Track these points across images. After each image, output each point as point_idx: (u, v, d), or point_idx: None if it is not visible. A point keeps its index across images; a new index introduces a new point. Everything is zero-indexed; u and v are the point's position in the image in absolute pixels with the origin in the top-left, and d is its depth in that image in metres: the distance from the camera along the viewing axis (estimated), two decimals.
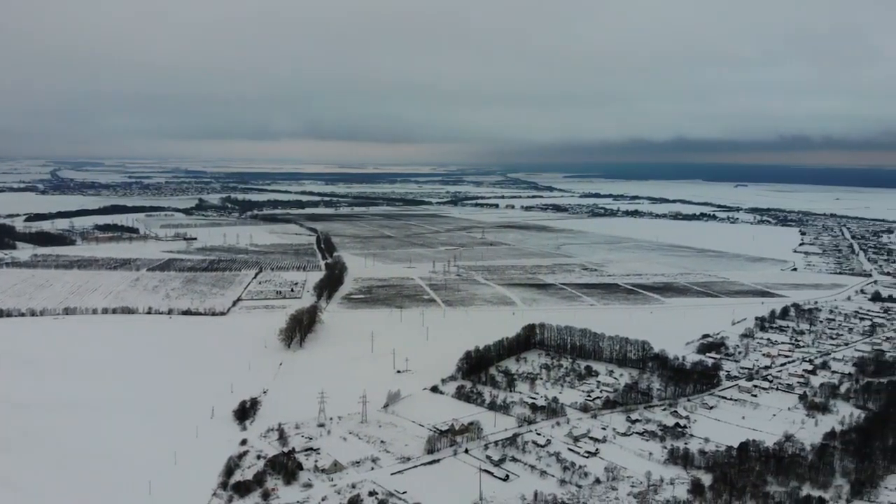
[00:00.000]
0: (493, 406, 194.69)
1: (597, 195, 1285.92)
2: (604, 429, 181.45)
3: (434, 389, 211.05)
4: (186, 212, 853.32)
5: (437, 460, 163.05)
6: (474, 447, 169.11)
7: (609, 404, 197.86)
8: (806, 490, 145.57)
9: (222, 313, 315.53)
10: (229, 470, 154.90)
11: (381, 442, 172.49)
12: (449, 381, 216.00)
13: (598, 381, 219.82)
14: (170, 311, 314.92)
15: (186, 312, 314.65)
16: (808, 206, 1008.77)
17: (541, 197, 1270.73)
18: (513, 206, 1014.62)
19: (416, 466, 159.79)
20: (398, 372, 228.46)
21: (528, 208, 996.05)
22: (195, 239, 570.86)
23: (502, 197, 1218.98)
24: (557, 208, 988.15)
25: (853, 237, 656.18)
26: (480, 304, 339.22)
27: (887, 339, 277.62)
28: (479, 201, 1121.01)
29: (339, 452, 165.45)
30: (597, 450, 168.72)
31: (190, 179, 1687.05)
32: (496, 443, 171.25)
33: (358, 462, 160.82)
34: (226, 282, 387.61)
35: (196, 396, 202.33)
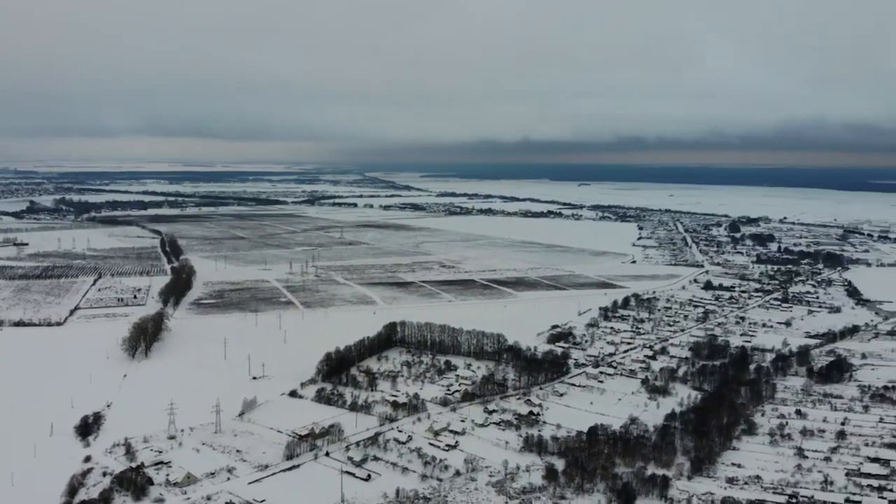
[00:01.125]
0: (354, 407, 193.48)
1: (453, 194, 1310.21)
2: (462, 421, 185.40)
3: (293, 394, 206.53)
4: (16, 215, 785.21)
5: (297, 466, 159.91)
6: (336, 449, 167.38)
7: (468, 397, 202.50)
8: (651, 469, 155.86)
9: (59, 323, 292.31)
10: (73, 489, 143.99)
11: (238, 451, 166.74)
12: (309, 385, 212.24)
13: (457, 375, 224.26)
14: (0, 323, 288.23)
15: (19, 324, 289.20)
16: (644, 203, 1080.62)
17: (399, 196, 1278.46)
18: (371, 206, 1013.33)
19: (274, 474, 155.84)
20: (254, 378, 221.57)
21: (386, 207, 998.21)
22: (26, 244, 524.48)
23: (360, 196, 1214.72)
24: (415, 207, 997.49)
25: (686, 231, 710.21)
26: (340, 305, 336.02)
27: (719, 324, 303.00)
28: (337, 200, 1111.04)
29: (192, 464, 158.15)
30: (456, 442, 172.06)
31: (20, 180, 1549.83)
32: (358, 443, 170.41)
33: (213, 473, 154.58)
34: (62, 289, 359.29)
35: (33, 413, 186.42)
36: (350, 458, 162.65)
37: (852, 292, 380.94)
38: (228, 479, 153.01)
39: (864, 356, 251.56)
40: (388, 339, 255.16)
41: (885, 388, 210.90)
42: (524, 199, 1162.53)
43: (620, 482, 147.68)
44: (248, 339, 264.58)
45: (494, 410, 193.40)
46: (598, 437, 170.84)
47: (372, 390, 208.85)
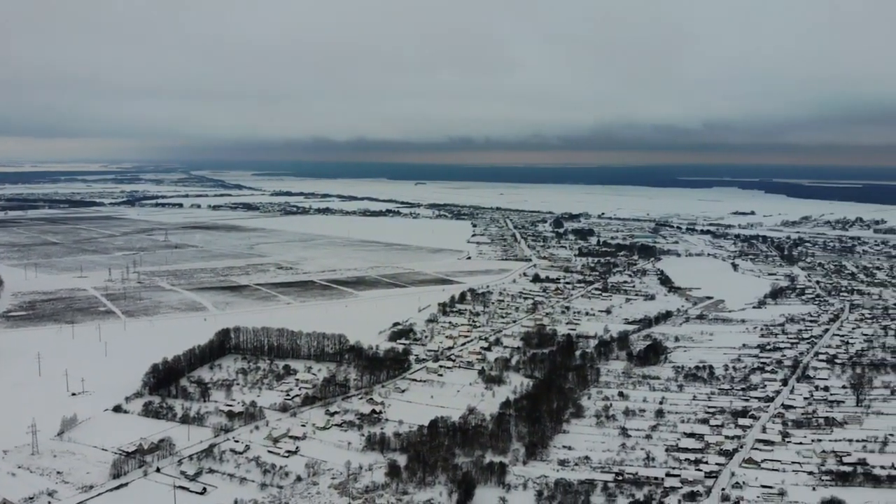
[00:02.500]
0: (186, 419, 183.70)
1: (288, 193, 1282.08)
2: (303, 426, 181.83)
3: (117, 409, 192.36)
4: None
5: (125, 484, 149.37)
6: (167, 465, 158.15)
7: (308, 400, 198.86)
8: (489, 457, 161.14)
9: None
10: None
11: (58, 473, 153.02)
12: (134, 399, 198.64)
13: (297, 380, 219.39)
14: None
15: None
16: (477, 201, 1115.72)
17: (229, 195, 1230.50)
18: (199, 206, 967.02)
19: (100, 494, 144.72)
20: (73, 394, 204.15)
21: (216, 207, 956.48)
22: None
23: (186, 196, 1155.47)
24: (248, 207, 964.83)
25: (515, 227, 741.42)
26: (167, 312, 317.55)
27: (547, 314, 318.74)
28: (161, 201, 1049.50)
29: (7, 490, 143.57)
30: (297, 448, 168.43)
31: None
32: (191, 457, 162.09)
33: (31, 498, 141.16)
34: None
35: None
36: (183, 473, 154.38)
37: (664, 281, 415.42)
38: (49, 503, 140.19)
39: (676, 339, 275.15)
40: (222, 346, 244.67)
41: (697, 368, 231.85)
42: (362, 198, 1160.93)
43: (460, 472, 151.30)
44: (64, 352, 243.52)
45: (336, 412, 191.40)
46: (438, 429, 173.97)
47: (205, 401, 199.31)
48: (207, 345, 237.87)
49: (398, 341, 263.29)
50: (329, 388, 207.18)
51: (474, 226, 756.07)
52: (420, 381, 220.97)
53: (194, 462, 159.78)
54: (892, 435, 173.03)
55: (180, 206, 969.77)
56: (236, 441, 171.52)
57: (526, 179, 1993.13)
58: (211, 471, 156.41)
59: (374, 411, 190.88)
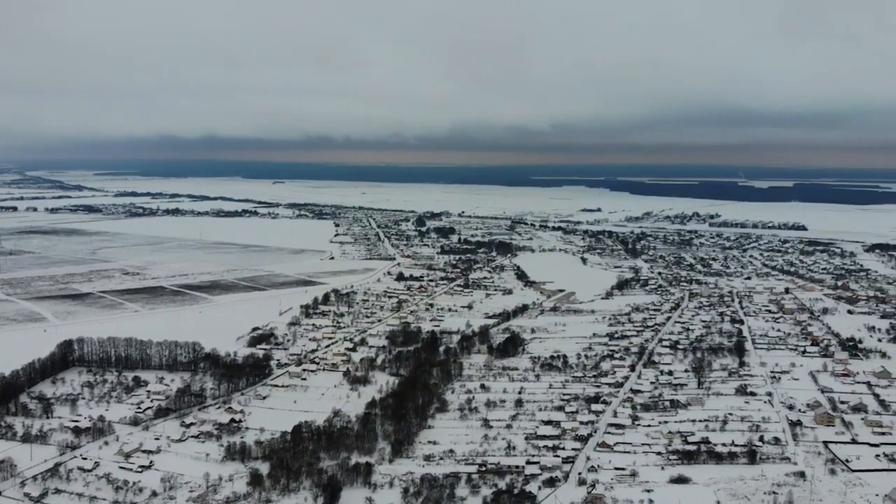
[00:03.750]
0: (28, 437, 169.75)
1: (134, 194, 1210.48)
2: (157, 439, 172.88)
3: None
4: None
5: None
6: (8, 487, 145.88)
7: (162, 413, 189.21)
8: (355, 458, 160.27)
9: None
10: None
11: None
12: None
13: (149, 391, 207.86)
14: None
15: None
16: (339, 200, 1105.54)
17: (69, 197, 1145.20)
18: (35, 209, 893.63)
19: None
20: None
21: (54, 210, 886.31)
22: None
23: (21, 198, 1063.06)
24: (90, 209, 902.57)
25: (378, 226, 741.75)
26: (2, 325, 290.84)
27: (411, 312, 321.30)
28: None
29: None
30: (151, 462, 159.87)
31: None
32: (35, 477, 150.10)
33: None
34: None
35: None
36: (27, 495, 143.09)
37: (521, 276, 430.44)
38: None
39: (533, 331, 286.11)
40: (64, 358, 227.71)
41: (552, 357, 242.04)
42: (216, 198, 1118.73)
43: (326, 476, 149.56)
44: None
45: (193, 423, 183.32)
46: (302, 434, 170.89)
47: (48, 417, 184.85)
48: (48, 357, 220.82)
49: (258, 347, 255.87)
50: (184, 399, 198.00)
51: (337, 225, 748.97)
52: (282, 386, 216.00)
53: (38, 483, 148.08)
54: (731, 414, 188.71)
55: (14, 209, 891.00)
56: (84, 458, 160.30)
57: (388, 178, 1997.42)
58: (58, 491, 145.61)
59: (233, 420, 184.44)
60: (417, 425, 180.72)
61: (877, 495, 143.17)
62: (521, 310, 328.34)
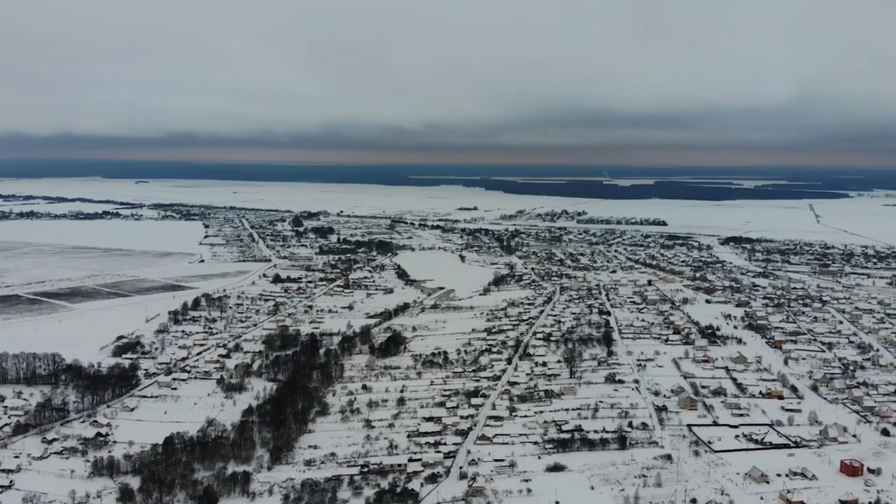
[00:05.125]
0: None
1: None
2: (17, 457, 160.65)
3: None
4: None
5: None
6: None
7: (21, 429, 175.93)
8: (231, 467, 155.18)
9: None
10: None
11: None
12: None
13: (5, 407, 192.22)
14: None
15: None
16: (209, 200, 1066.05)
17: None
18: None
19: None
20: None
21: None
22: None
23: None
24: None
25: (252, 227, 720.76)
26: None
27: (289, 315, 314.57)
28: None
29: None
30: (11, 482, 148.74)
31: None
32: None
33: None
34: None
35: None
36: None
37: (402, 274, 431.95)
38: None
39: (414, 329, 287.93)
40: None
41: (433, 354, 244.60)
42: (74, 200, 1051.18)
43: (201, 487, 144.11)
44: None
45: (55, 439, 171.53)
46: (175, 446, 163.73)
47: None
48: None
49: (124, 356, 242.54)
50: (45, 414, 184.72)
51: (206, 226, 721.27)
52: (152, 397, 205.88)
53: None
54: (601, 402, 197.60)
55: None
56: None
57: (260, 177, 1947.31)
58: None
59: (99, 434, 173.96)
60: (297, 430, 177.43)
61: (737, 474, 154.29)
62: (403, 308, 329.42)
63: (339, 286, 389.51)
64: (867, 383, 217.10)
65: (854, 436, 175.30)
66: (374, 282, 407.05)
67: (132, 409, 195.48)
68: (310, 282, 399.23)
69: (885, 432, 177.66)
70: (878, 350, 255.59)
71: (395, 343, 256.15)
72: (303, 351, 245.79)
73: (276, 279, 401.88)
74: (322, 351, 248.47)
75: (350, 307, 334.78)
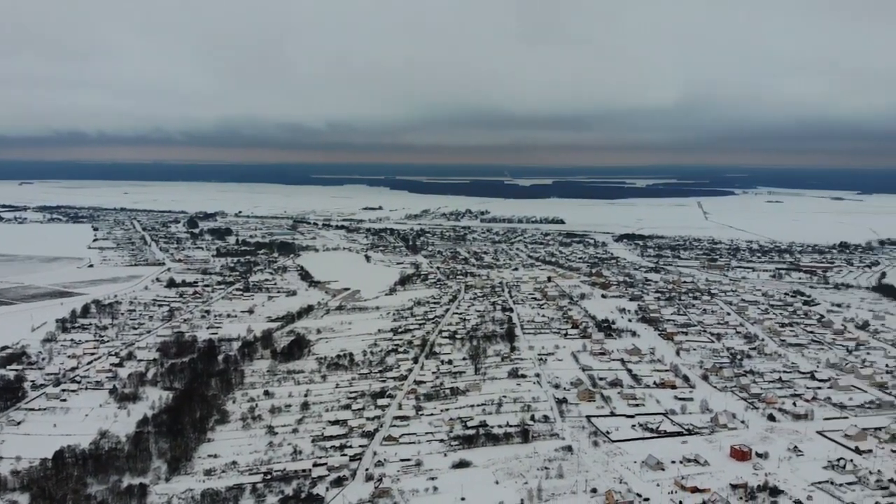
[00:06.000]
0: None
1: None
2: None
3: None
4: None
5: None
6: None
7: None
8: (127, 480, 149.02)
9: None
10: None
11: None
12: None
13: None
14: None
15: None
16: (98, 202, 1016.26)
17: None
18: None
19: None
20: None
21: None
22: None
23: None
24: None
25: (144, 229, 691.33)
26: None
27: (185, 320, 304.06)
28: None
29: None
30: None
31: None
32: None
33: None
34: None
35: None
36: None
37: (305, 276, 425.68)
38: None
39: (319, 331, 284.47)
40: None
41: (338, 356, 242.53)
42: None
43: (95, 502, 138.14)
44: None
45: None
46: (65, 460, 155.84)
47: None
48: None
49: (8, 367, 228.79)
50: None
51: (95, 229, 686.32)
52: (39, 409, 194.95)
53: None
54: (505, 397, 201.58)
55: None
56: None
57: (153, 177, 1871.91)
58: None
59: None
60: (196, 440, 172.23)
61: (635, 462, 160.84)
62: (307, 311, 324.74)
63: (238, 289, 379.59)
64: (753, 371, 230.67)
65: (742, 422, 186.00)
66: (275, 284, 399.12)
67: (18, 423, 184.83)
68: (207, 285, 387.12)
69: (772, 417, 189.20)
70: (763, 339, 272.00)
71: (298, 346, 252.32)
72: (200, 358, 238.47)
73: (171, 283, 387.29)
74: (221, 357, 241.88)
75: (250, 311, 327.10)
